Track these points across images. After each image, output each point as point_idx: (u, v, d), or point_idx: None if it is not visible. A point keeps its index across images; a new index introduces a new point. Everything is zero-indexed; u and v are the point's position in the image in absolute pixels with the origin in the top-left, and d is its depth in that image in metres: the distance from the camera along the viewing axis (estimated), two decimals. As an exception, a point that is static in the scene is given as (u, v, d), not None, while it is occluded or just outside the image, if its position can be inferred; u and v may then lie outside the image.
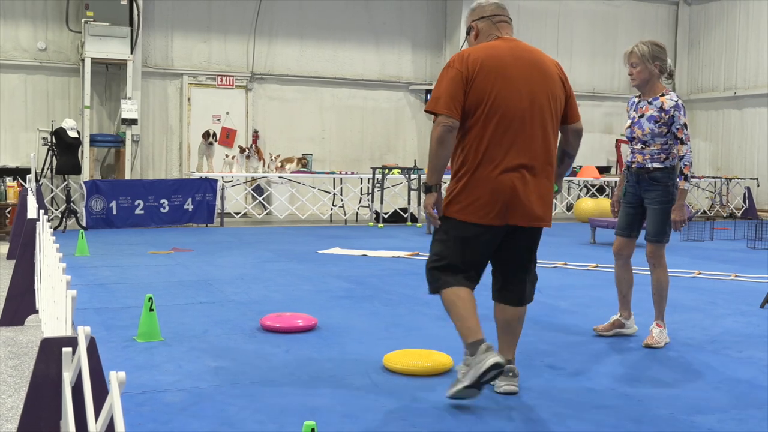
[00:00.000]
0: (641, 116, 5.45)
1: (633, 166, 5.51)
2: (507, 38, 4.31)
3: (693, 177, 18.21)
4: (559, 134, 4.41)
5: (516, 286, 4.32)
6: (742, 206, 18.29)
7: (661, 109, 5.36)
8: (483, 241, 4.17)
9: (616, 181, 17.68)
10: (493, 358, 3.85)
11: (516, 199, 4.10)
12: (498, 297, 4.37)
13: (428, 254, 4.33)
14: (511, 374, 4.27)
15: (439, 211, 4.25)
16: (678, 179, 5.37)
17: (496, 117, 4.09)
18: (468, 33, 4.43)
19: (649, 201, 5.44)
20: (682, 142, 5.31)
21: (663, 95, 5.40)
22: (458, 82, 4.09)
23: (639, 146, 5.45)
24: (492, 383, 4.14)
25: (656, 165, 5.39)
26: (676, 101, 5.36)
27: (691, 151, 5.29)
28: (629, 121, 5.56)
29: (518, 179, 4.10)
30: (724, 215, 18.33)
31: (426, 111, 4.31)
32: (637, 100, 5.59)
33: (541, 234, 4.34)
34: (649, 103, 5.42)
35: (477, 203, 4.10)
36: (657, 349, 5.33)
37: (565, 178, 17.18)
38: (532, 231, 4.25)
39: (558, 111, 4.28)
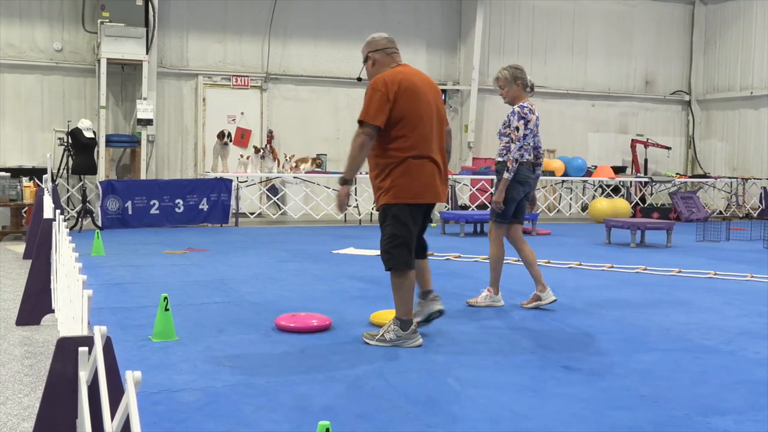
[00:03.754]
0: None
1: None
2: (404, 65, 5.47)
3: (620, 180, 18.15)
4: None
5: (424, 245, 5.73)
6: (759, 206, 18.20)
7: (507, 115, 6.53)
8: (420, 217, 5.37)
9: (631, 181, 17.62)
10: (419, 341, 5.27)
11: (436, 182, 5.35)
12: (416, 256, 5.54)
13: (383, 238, 5.33)
14: (438, 299, 5.69)
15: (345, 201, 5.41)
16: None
17: (419, 124, 5.24)
18: (365, 61, 5.51)
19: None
20: (511, 141, 6.46)
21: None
22: (385, 101, 5.15)
23: None
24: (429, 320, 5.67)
25: (499, 159, 6.62)
26: (514, 109, 6.49)
27: (520, 149, 6.43)
28: None
29: (435, 168, 5.34)
30: (741, 215, 18.23)
31: (359, 120, 5.24)
32: None
33: None
34: None
35: (420, 189, 5.23)
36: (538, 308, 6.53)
37: (580, 178, 17.15)
38: (433, 204, 5.53)
39: (443, 117, 5.52)
